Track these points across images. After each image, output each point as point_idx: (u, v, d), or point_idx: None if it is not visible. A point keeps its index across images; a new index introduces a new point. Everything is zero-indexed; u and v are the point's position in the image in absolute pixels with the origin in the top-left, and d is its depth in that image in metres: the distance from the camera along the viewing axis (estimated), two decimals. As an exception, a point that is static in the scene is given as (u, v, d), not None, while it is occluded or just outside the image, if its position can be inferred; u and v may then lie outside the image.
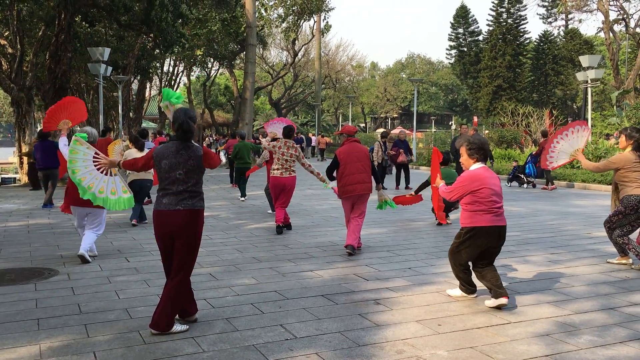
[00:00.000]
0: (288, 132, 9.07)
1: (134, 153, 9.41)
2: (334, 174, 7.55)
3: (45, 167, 12.45)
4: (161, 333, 4.31)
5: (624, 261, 6.69)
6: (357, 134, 8.03)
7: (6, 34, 21.22)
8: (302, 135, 37.48)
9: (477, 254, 5.17)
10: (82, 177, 5.81)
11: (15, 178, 29.01)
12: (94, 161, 5.87)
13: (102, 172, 5.90)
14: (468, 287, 5.33)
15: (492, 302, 4.98)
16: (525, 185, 16.86)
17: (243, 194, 13.72)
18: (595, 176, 16.59)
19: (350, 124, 45.34)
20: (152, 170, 9.56)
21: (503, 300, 4.94)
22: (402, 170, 16.27)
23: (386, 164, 16.13)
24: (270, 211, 11.12)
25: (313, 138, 37.95)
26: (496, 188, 5.14)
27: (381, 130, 48.14)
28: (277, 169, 8.83)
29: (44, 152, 12.42)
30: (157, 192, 4.52)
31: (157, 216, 4.45)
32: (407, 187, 15.76)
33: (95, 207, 7.00)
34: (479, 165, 5.22)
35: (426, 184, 9.95)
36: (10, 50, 20.75)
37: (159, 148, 4.50)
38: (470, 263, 5.30)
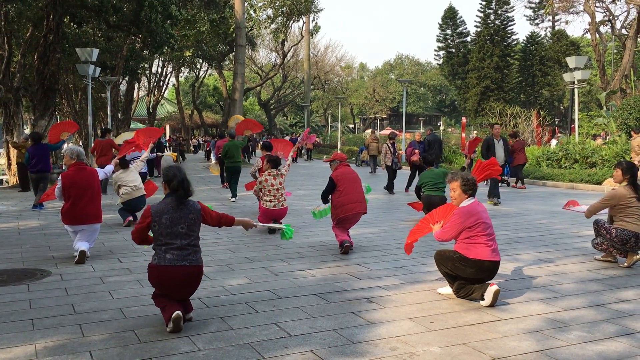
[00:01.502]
0: (275, 162, 9.12)
1: (122, 176, 9.71)
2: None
3: (39, 170, 12.47)
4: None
5: (610, 258, 6.81)
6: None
7: (-7, 34, 21.07)
8: (296, 136, 37.60)
9: (461, 276, 5.23)
10: None
11: (2, 179, 28.81)
12: None
13: None
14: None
15: (487, 297, 5.02)
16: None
17: (234, 195, 13.72)
18: (582, 176, 16.77)
19: (339, 124, 45.38)
20: (142, 186, 9.79)
21: (493, 288, 4.98)
22: (416, 172, 14.96)
23: (396, 167, 15.37)
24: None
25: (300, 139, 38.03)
26: (489, 221, 5.24)
27: (370, 130, 48.22)
28: (270, 201, 8.92)
29: (38, 156, 12.45)
30: (156, 247, 4.53)
31: (160, 271, 4.44)
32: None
33: (88, 224, 7.07)
34: (471, 200, 5.32)
35: (418, 189, 10.01)
36: (-3, 51, 20.60)
37: (156, 205, 4.54)
38: None
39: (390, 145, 15.51)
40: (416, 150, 15.30)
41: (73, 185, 6.98)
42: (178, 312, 4.33)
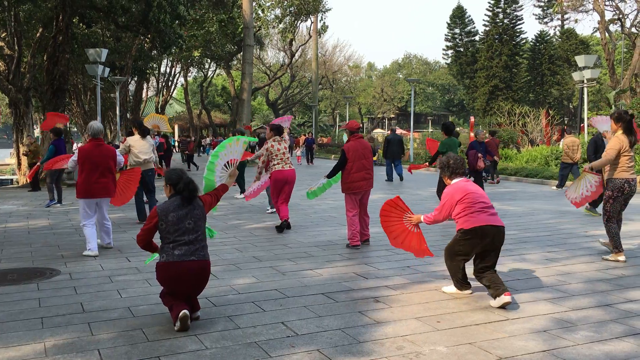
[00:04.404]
0: (278, 129, 9.38)
1: (136, 140, 9.69)
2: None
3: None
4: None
5: (620, 258, 6.80)
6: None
7: (3, 35, 21.22)
8: (311, 137, 36.65)
9: (471, 255, 5.24)
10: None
11: (12, 179, 29.03)
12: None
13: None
14: (463, 284, 5.41)
15: (496, 302, 5.01)
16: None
17: (243, 190, 13.86)
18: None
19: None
20: (152, 161, 9.74)
21: (505, 298, 4.93)
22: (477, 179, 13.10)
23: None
24: (269, 210, 11.17)
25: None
26: (479, 191, 5.28)
27: (384, 130, 48.12)
28: (278, 163, 9.10)
29: (60, 150, 12.84)
30: (163, 245, 4.54)
31: (168, 268, 4.46)
32: None
33: (100, 198, 7.42)
34: (457, 179, 5.40)
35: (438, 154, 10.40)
36: (8, 52, 20.74)
37: (162, 205, 4.59)
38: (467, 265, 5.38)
39: None
40: (480, 155, 12.87)
41: (87, 159, 7.32)
42: (185, 311, 4.36)
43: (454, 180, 5.40)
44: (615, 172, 6.80)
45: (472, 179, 11.38)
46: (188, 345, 4.14)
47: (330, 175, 8.09)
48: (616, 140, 6.84)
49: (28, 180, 16.33)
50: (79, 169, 7.40)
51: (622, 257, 6.81)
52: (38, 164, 14.26)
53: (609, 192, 6.86)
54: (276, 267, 6.63)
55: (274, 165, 9.11)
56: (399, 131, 54.62)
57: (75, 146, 32.28)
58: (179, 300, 4.50)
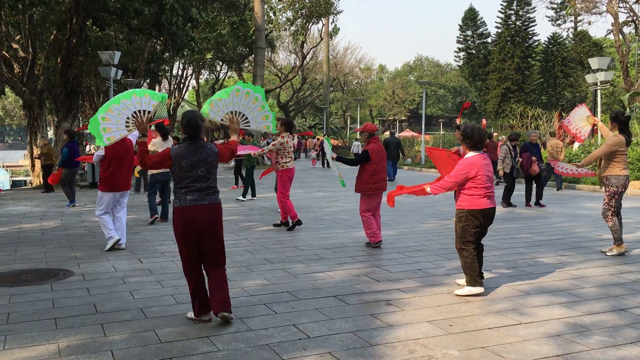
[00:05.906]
0: (289, 125, 9.61)
1: (158, 142, 10.17)
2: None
3: (73, 165, 13.42)
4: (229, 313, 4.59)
5: (623, 249, 7.23)
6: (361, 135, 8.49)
7: (18, 37, 21.46)
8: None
9: (476, 234, 5.52)
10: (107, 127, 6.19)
11: (26, 180, 29.31)
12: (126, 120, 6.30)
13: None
14: (477, 281, 5.47)
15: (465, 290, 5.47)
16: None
17: (253, 194, 13.89)
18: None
19: (358, 126, 45.29)
20: None
21: (478, 290, 5.43)
22: (534, 183, 12.79)
23: (517, 175, 12.67)
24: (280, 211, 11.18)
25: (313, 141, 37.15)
26: (490, 174, 5.51)
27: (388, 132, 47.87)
28: (289, 161, 9.38)
29: (74, 152, 13.26)
30: (176, 191, 4.61)
31: (182, 213, 4.54)
32: (537, 203, 12.65)
33: (123, 191, 7.82)
34: (474, 153, 5.54)
35: None
36: (22, 54, 20.99)
37: (176, 148, 4.64)
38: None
39: (511, 148, 12.65)
40: (534, 158, 12.59)
41: (115, 155, 7.70)
42: (225, 313, 4.57)
43: (472, 154, 5.53)
44: (619, 170, 7.15)
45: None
46: (200, 347, 4.15)
47: (346, 162, 8.19)
48: (616, 139, 7.13)
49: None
50: (105, 164, 7.69)
51: (624, 248, 7.27)
52: (60, 168, 14.49)
53: (614, 188, 7.18)
54: (287, 269, 6.63)
55: (286, 162, 9.31)
56: (409, 133, 54.82)
57: (88, 148, 32.48)
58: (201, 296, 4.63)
